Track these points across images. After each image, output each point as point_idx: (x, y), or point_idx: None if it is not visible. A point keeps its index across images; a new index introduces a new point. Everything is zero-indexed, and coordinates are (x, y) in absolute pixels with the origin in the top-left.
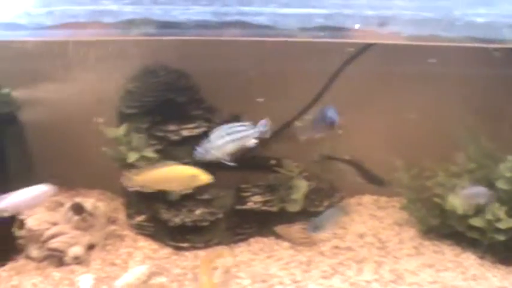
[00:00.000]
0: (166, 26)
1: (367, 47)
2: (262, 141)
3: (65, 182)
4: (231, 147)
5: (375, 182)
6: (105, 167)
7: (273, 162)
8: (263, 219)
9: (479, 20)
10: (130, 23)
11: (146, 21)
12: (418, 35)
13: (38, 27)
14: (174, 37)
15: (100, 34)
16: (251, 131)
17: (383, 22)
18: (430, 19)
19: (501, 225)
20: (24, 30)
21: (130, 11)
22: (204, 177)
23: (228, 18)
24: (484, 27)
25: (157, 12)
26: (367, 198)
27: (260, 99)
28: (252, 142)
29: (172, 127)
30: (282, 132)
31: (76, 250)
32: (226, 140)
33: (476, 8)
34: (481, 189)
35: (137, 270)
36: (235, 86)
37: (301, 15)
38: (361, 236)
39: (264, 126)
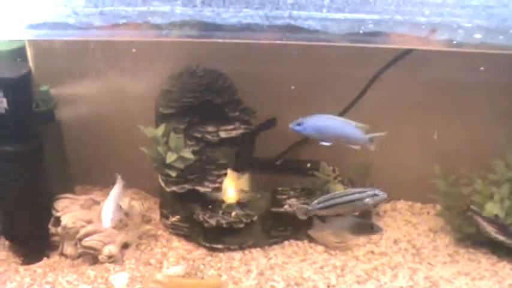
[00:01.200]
0: (217, 28)
1: (406, 53)
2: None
3: (101, 180)
4: None
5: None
6: (140, 166)
7: (309, 165)
8: (298, 222)
9: None
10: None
11: (194, 23)
12: (467, 42)
13: (87, 26)
14: (223, 40)
15: (147, 35)
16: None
17: (434, 29)
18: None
19: None
20: (71, 30)
21: (180, 13)
22: None
23: (279, 22)
24: None
25: (208, 15)
26: (401, 204)
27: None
28: None
29: (210, 128)
30: None
31: (110, 249)
32: None
33: None
34: None
35: (172, 270)
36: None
37: (353, 20)
38: (396, 241)
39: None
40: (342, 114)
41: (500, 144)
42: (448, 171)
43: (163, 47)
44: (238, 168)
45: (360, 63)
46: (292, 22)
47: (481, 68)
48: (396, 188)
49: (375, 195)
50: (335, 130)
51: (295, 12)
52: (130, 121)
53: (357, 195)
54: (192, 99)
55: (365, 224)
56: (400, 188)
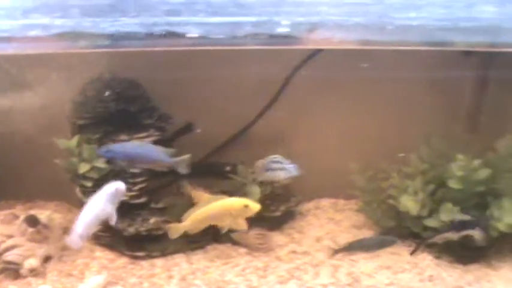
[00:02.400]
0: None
1: (317, 52)
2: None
3: (22, 194)
4: None
5: None
6: (61, 178)
7: (228, 168)
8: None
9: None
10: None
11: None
12: (367, 40)
13: None
14: (105, 49)
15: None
16: None
17: (312, 28)
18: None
19: (450, 236)
20: None
21: (60, 25)
22: (254, 206)
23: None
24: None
25: (87, 25)
26: (325, 202)
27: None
28: None
29: (123, 137)
30: (238, 138)
31: (32, 262)
32: None
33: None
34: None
35: (93, 281)
36: (187, 93)
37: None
38: (318, 239)
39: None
40: (259, 116)
41: (414, 138)
42: (369, 167)
43: (70, 58)
44: (155, 175)
45: (273, 65)
46: (170, 28)
47: (364, 65)
48: (319, 186)
49: None
50: (141, 155)
51: (172, 19)
52: (50, 133)
53: None
54: (105, 109)
55: (386, 239)
56: (323, 186)
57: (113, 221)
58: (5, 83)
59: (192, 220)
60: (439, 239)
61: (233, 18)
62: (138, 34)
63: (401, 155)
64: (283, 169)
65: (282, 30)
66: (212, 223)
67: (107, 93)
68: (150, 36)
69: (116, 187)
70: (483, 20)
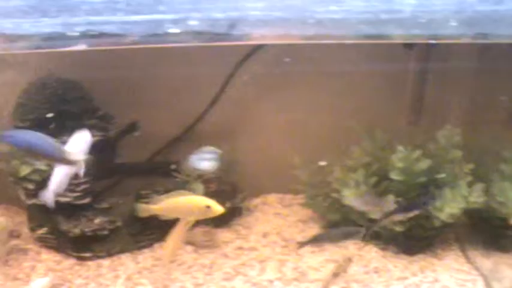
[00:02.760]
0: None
1: (258, 47)
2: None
3: None
4: None
5: None
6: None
7: (173, 166)
8: (166, 224)
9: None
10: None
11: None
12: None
13: None
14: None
15: None
16: None
17: (233, 24)
18: (283, 19)
19: (397, 217)
20: None
21: None
22: (218, 208)
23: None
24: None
25: (9, 26)
26: (272, 197)
27: None
28: None
29: (65, 138)
30: (183, 136)
31: None
32: None
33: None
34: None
35: (38, 283)
36: (131, 93)
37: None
38: (265, 235)
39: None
40: (204, 113)
41: (356, 131)
42: (312, 161)
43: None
44: (99, 176)
45: (216, 61)
46: (92, 28)
47: (287, 59)
48: (267, 182)
49: None
50: (39, 145)
51: (92, 18)
52: None
53: None
54: (46, 111)
55: (352, 230)
56: (270, 182)
57: (81, 172)
58: None
59: (163, 206)
60: (388, 221)
61: (152, 16)
62: (75, 34)
63: (322, 163)
64: (205, 160)
65: (194, 25)
66: (179, 216)
67: (49, 115)
68: (84, 36)
69: (80, 136)
70: (404, 12)
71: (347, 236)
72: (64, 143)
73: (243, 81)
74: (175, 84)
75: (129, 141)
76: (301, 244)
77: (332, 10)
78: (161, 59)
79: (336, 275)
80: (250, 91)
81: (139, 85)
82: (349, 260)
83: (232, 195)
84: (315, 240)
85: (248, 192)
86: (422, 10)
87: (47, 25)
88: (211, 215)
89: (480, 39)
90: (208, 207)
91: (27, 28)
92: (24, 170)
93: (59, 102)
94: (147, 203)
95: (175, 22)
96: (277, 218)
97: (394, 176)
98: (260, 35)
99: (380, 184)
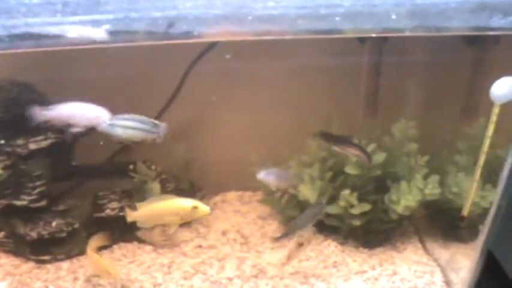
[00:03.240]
0: None
1: (213, 46)
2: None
3: None
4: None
5: None
6: None
7: (131, 167)
8: (124, 225)
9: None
10: None
11: None
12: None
13: None
14: None
15: None
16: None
17: (171, 23)
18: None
19: (354, 211)
20: None
21: None
22: (204, 208)
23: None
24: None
25: None
26: (231, 195)
27: None
28: None
29: (20, 141)
30: None
31: None
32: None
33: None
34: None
35: None
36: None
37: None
38: (224, 233)
39: None
40: (161, 112)
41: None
42: (267, 157)
43: None
44: (56, 178)
45: (171, 60)
46: (30, 30)
47: (227, 56)
48: (226, 179)
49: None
50: None
51: (31, 20)
52: None
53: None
54: (2, 114)
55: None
56: (229, 179)
57: None
58: None
59: (145, 212)
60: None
61: (90, 17)
62: (26, 35)
63: None
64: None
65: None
66: (162, 222)
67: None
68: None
69: None
70: (344, 7)
71: (315, 215)
72: (19, 146)
73: (200, 78)
74: (131, 84)
75: (85, 142)
76: (277, 239)
77: (270, 6)
78: (115, 59)
79: (300, 244)
80: (208, 89)
81: (95, 86)
82: (312, 233)
83: (191, 193)
84: (288, 232)
85: (207, 190)
86: (362, 4)
87: None
88: (198, 215)
89: (421, 32)
90: (195, 208)
91: None
92: None
93: (13, 105)
94: (133, 209)
95: (113, 22)
96: (236, 215)
97: (350, 170)
98: (199, 33)
99: (336, 179)
